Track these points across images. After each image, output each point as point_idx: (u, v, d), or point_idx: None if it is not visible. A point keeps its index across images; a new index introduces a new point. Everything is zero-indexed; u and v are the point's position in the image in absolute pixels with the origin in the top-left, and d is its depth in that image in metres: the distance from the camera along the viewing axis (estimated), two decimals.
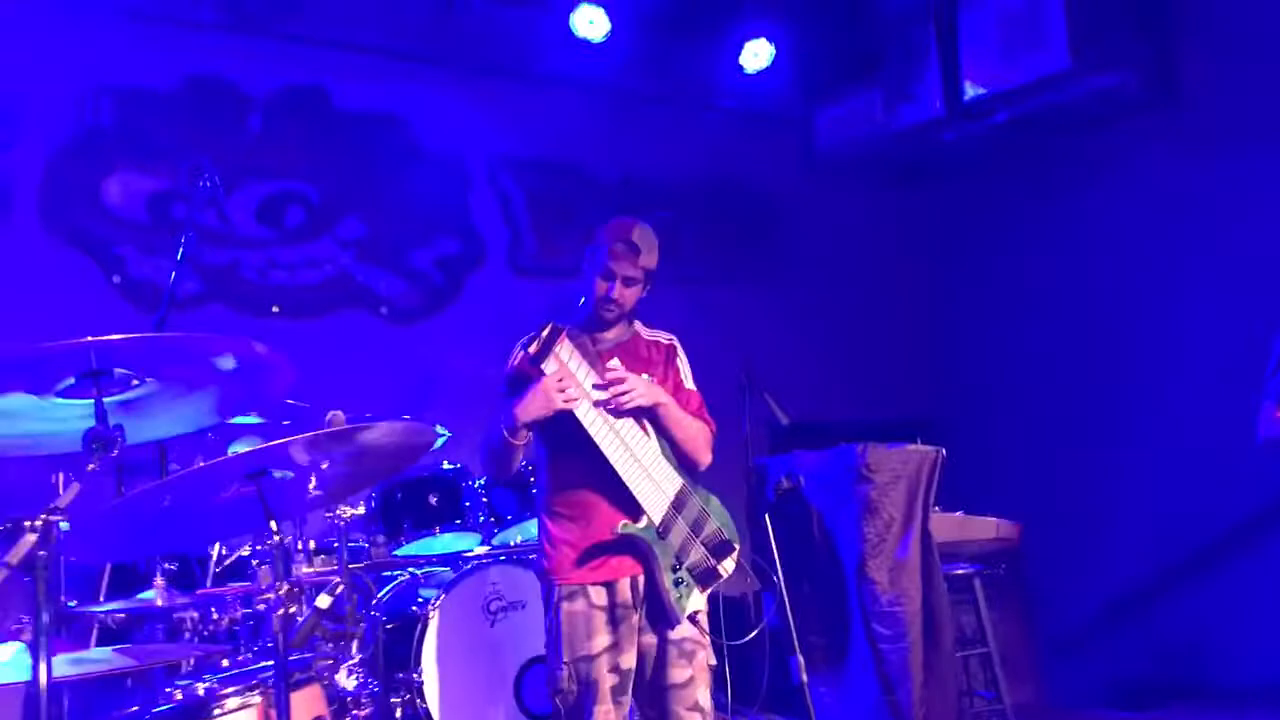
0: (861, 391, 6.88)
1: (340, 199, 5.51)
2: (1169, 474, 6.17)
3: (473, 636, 3.92)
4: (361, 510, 3.23)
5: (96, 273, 4.90)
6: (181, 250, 3.70)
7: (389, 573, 4.26)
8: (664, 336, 3.31)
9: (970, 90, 6.10)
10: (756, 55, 6.08)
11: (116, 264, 4.94)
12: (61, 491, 1.64)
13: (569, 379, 2.92)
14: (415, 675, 3.75)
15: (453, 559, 4.17)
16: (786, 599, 4.20)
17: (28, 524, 1.57)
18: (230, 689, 2.20)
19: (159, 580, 2.98)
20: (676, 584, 2.96)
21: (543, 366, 2.91)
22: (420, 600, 3.97)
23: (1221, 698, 5.48)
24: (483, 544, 4.26)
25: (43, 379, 1.73)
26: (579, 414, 2.93)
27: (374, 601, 4.01)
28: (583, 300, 3.18)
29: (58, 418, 1.85)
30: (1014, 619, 5.44)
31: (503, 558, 4.12)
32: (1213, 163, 6.03)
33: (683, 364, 3.28)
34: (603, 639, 2.95)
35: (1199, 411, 6.07)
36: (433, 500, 4.19)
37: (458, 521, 4.23)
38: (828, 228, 7.08)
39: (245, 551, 3.93)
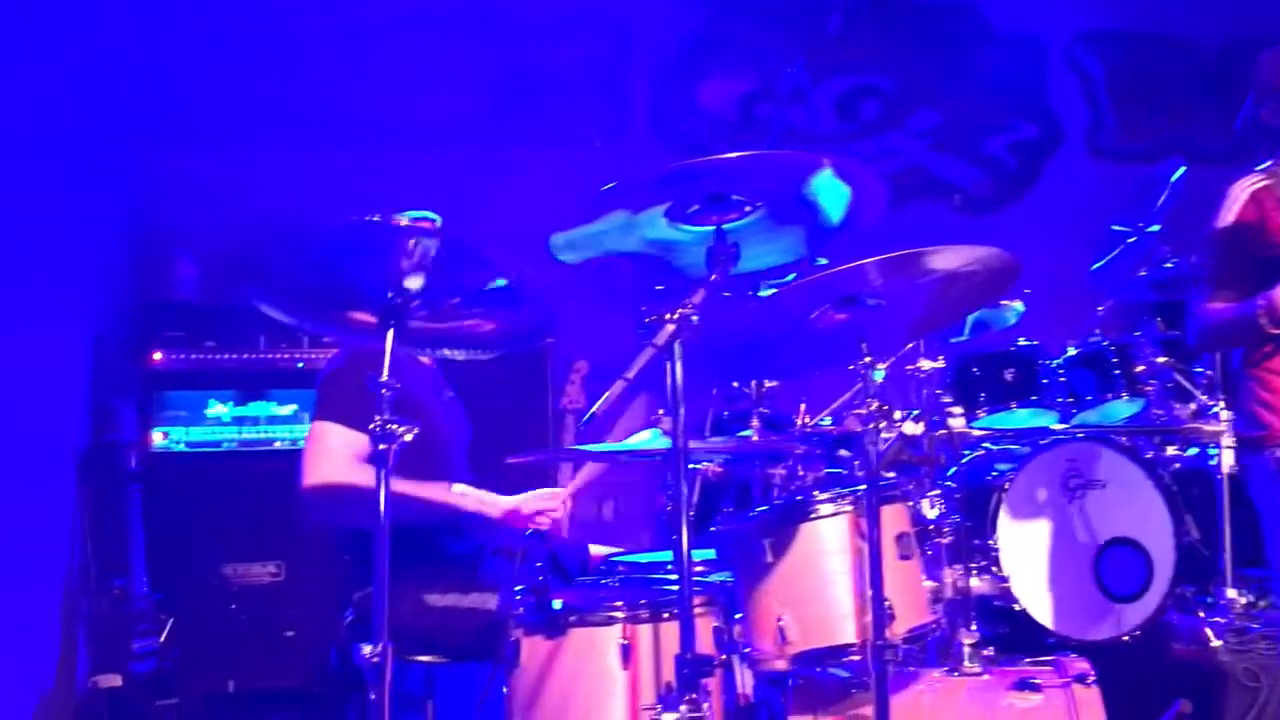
0: None
1: (913, 90, 5.59)
2: None
3: (1050, 512, 3.88)
4: (940, 363, 3.33)
5: None
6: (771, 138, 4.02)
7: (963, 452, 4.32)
8: None
9: None
10: None
11: None
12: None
13: None
14: (991, 542, 3.80)
15: (1029, 435, 4.14)
16: None
17: (668, 315, 1.87)
18: (825, 495, 2.43)
19: (754, 422, 3.31)
20: None
21: None
22: (996, 473, 4.00)
23: None
24: (1060, 423, 4.18)
25: (676, 205, 2.03)
26: None
27: (948, 473, 4.11)
28: None
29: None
30: None
31: (1081, 434, 4.02)
32: None
33: None
34: None
35: None
36: (1008, 376, 4.16)
37: (1034, 398, 4.17)
38: None
39: (826, 421, 4.22)
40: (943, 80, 5.62)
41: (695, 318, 1.88)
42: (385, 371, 2.05)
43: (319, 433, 2.89)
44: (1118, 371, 4.15)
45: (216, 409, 4.60)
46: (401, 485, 2.69)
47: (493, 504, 3.00)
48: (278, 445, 4.64)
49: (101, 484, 4.47)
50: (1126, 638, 3.80)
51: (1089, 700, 2.49)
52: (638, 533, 4.78)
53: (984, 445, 4.27)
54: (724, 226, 2.07)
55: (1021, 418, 4.26)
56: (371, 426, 2.03)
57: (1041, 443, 3.96)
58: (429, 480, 2.92)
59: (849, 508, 2.39)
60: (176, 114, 4.89)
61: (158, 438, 4.54)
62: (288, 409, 4.66)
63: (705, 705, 1.91)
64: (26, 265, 4.07)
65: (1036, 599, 3.80)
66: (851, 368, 2.22)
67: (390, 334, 2.07)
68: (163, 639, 4.30)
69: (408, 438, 2.03)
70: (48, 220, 4.21)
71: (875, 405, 2.21)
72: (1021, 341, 4.26)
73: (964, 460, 4.19)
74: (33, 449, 4.14)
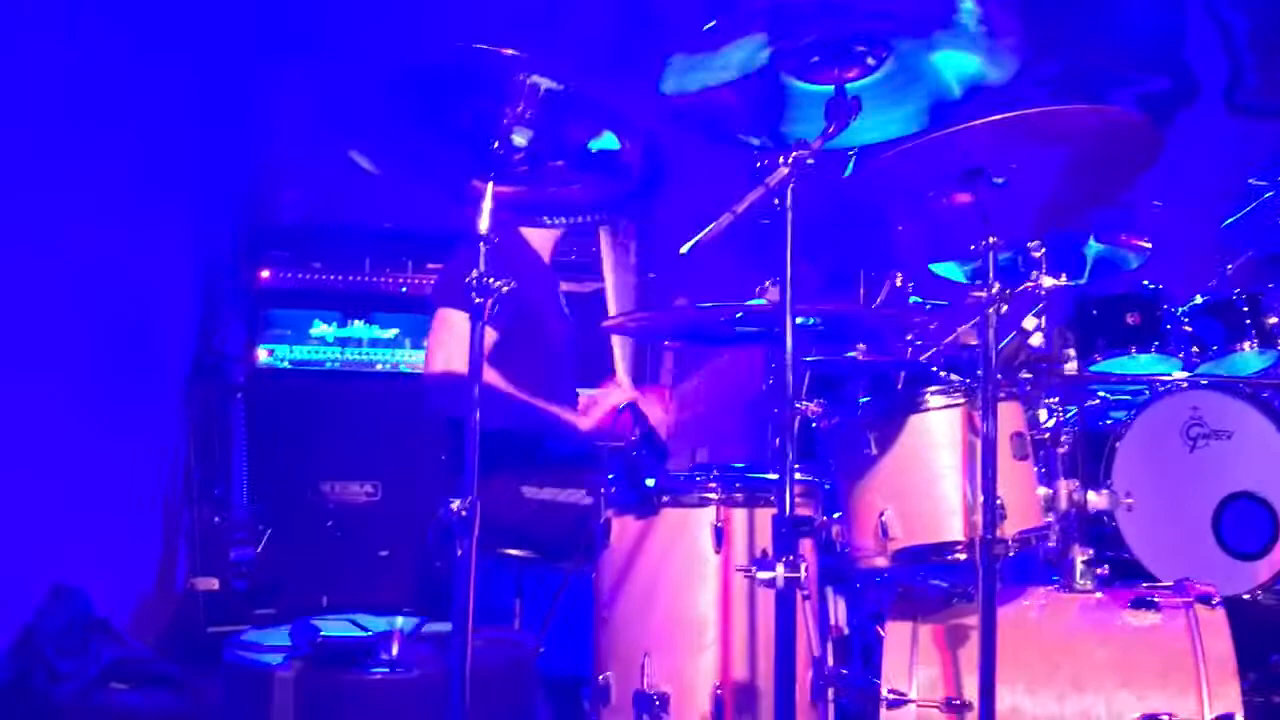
0: None
1: (1037, 33, 5.37)
2: None
3: (1167, 460, 3.69)
4: (1063, 280, 3.17)
5: None
6: None
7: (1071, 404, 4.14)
8: None
9: None
10: None
11: None
12: None
13: None
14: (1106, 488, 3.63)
15: (1149, 382, 3.94)
16: None
17: (781, 158, 1.79)
18: (935, 387, 2.32)
19: (860, 345, 3.19)
20: None
21: None
22: (1111, 420, 3.84)
23: None
24: (1182, 370, 3.97)
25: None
26: None
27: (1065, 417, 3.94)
28: None
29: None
30: None
31: (1205, 382, 3.81)
32: None
33: None
34: None
35: None
36: (1129, 320, 3.97)
37: (1155, 344, 3.97)
38: None
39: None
40: (1070, 25, 5.39)
41: (811, 160, 1.79)
42: (484, 222, 2.01)
43: (444, 319, 2.92)
44: (1248, 322, 3.93)
45: (320, 329, 4.64)
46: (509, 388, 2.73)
47: (584, 418, 3.04)
48: (379, 367, 4.67)
49: (207, 396, 4.56)
50: (1247, 596, 3.59)
51: (1213, 621, 2.31)
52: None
53: (1100, 393, 4.10)
54: (845, 85, 1.98)
55: (1142, 363, 4.06)
56: (467, 279, 1.99)
57: (1161, 388, 3.77)
58: (537, 377, 2.95)
59: (961, 400, 2.27)
60: (288, 37, 4.92)
61: (262, 354, 4.60)
62: (390, 332, 4.68)
63: (803, 565, 1.82)
64: (143, 185, 4.16)
65: (1151, 550, 3.62)
66: (974, 247, 2.09)
67: (490, 186, 2.02)
68: (259, 550, 4.36)
69: (504, 290, 1.98)
70: (164, 141, 4.29)
71: (997, 288, 2.09)
72: (1145, 284, 4.06)
73: (1076, 409, 4.03)
74: (144, 360, 4.23)
